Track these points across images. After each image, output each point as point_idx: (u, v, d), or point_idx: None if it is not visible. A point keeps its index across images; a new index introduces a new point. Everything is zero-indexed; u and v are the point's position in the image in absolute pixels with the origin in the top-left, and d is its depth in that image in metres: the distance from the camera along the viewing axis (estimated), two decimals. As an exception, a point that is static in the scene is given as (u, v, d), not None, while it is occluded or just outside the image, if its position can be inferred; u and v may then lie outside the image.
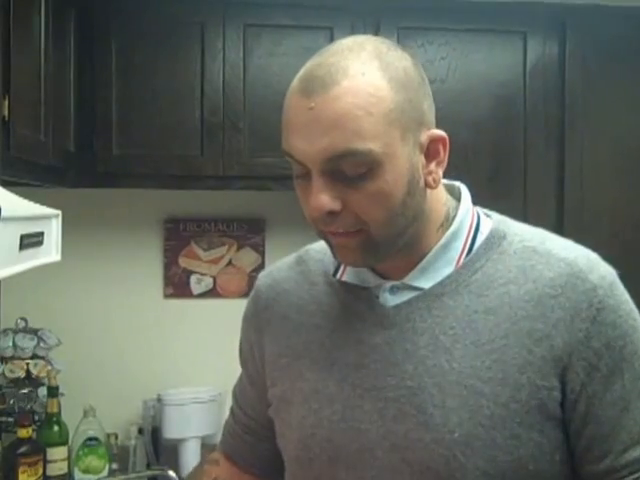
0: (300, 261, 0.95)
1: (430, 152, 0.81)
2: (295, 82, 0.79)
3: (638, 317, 0.83)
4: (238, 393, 1.02)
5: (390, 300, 0.85)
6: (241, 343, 1.00)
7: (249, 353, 0.97)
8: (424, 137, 0.80)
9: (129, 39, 1.92)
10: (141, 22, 1.92)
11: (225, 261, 2.24)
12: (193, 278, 2.23)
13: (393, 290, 0.85)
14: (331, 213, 0.78)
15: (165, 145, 1.93)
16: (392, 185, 0.77)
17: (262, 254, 2.24)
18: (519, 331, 0.79)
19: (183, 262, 2.23)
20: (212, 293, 2.24)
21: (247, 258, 2.25)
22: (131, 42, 1.92)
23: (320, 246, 0.93)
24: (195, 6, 1.93)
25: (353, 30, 1.93)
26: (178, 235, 2.22)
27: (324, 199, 0.77)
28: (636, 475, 0.79)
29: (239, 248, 2.24)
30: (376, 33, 1.95)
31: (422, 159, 0.80)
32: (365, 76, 0.76)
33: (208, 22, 1.92)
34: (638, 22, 2.01)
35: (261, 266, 2.23)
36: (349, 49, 0.78)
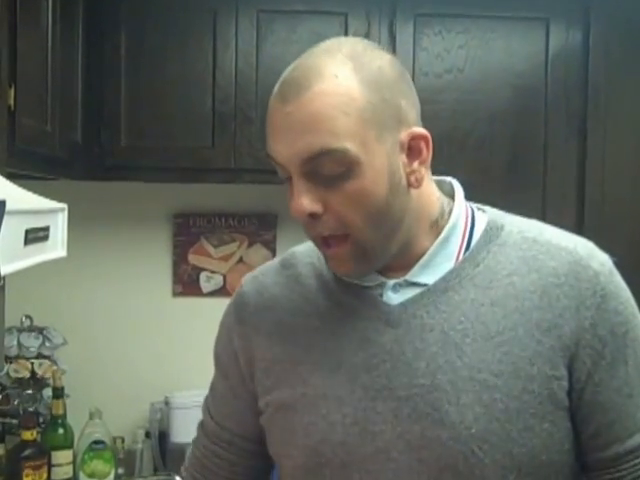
0: (287, 265, 0.93)
1: (412, 151, 0.81)
2: (276, 86, 0.81)
3: (635, 304, 0.84)
4: (214, 409, 0.98)
5: (394, 298, 0.85)
6: (218, 354, 0.97)
7: (231, 363, 0.94)
8: (404, 135, 0.80)
9: (139, 27, 1.89)
10: (151, 9, 1.90)
11: (236, 258, 2.20)
12: (203, 276, 2.19)
13: (395, 288, 0.85)
14: (313, 215, 0.79)
15: (175, 136, 1.91)
16: (371, 184, 0.78)
17: (273, 251, 2.20)
18: (527, 322, 0.80)
19: (193, 259, 2.19)
20: (222, 292, 2.19)
21: (258, 255, 2.20)
22: (141, 30, 1.90)
23: (307, 248, 0.93)
24: (207, -8, 1.90)
25: (368, 16, 1.90)
26: (188, 231, 2.18)
27: (304, 201, 0.78)
28: None
29: (250, 245, 2.20)
30: (392, 19, 1.92)
31: (403, 158, 0.81)
32: (338, 78, 0.78)
33: (220, 8, 1.90)
34: (664, 9, 1.95)
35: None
36: (326, 51, 0.80)
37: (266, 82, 1.89)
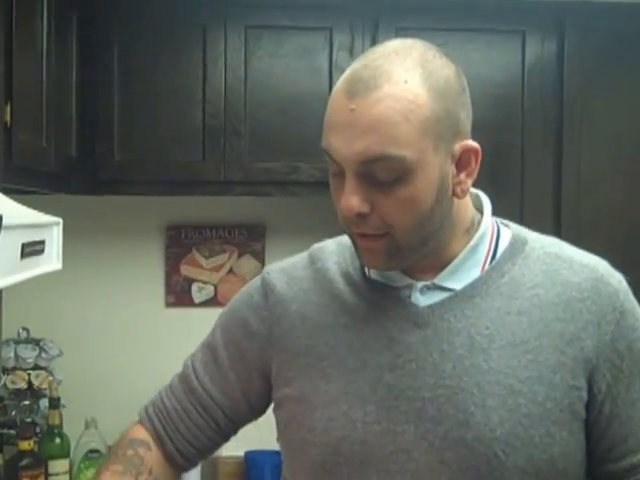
0: (315, 259, 0.94)
1: (461, 162, 0.82)
2: (340, 82, 0.81)
3: None
4: (202, 369, 0.96)
5: (422, 300, 0.85)
6: (228, 322, 0.96)
7: (242, 337, 0.94)
8: (457, 147, 0.81)
9: (131, 43, 1.91)
10: (142, 26, 1.92)
11: (226, 269, 2.22)
12: (194, 286, 2.21)
13: (423, 290, 0.86)
14: (360, 215, 0.79)
15: (167, 150, 1.93)
16: (421, 192, 0.79)
17: (262, 262, 2.22)
18: (551, 333, 0.82)
19: (184, 270, 2.21)
20: (213, 302, 2.21)
21: (247, 266, 2.23)
22: (133, 46, 1.91)
23: (333, 247, 0.94)
24: (196, 9, 1.92)
25: (352, 30, 1.93)
26: (179, 242, 2.20)
27: (355, 201, 0.79)
28: None
29: (240, 255, 2.23)
30: (374, 33, 1.95)
31: (453, 169, 0.81)
32: (407, 83, 0.77)
33: (209, 25, 1.92)
34: (638, 20, 2.00)
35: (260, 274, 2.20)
36: (395, 53, 0.80)
37: (254, 96, 1.92)
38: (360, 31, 1.93)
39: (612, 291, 0.84)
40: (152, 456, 0.96)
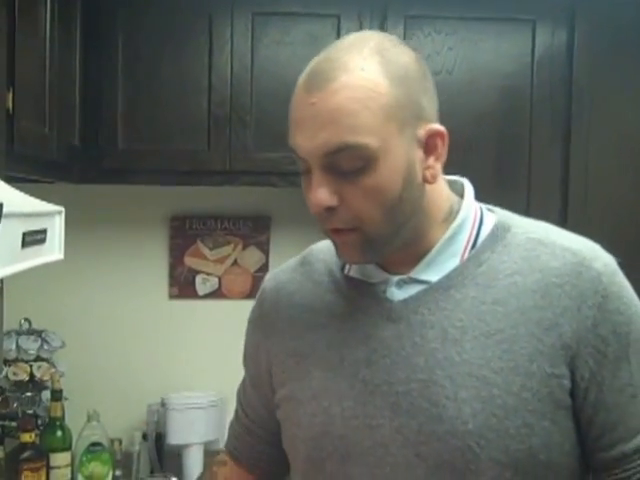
0: (304, 262, 0.95)
1: (429, 147, 0.82)
2: (300, 78, 0.81)
3: (639, 304, 0.84)
4: (242, 394, 1.03)
5: (397, 294, 0.85)
6: (246, 345, 1.00)
7: (254, 355, 0.98)
8: (422, 132, 0.80)
9: (135, 30, 1.90)
10: (147, 13, 1.90)
11: (230, 261, 2.21)
12: (198, 278, 2.20)
13: (400, 284, 0.85)
14: (329, 209, 0.79)
15: (171, 139, 1.91)
16: (388, 179, 0.78)
17: (266, 253, 2.21)
18: (528, 321, 0.80)
19: (189, 261, 2.20)
20: (217, 294, 2.20)
21: (252, 257, 2.21)
22: (137, 33, 1.90)
23: (324, 245, 0.94)
24: (203, -5, 1.91)
25: (360, 18, 1.91)
26: (184, 233, 2.19)
27: (322, 194, 0.78)
28: None
29: (244, 247, 2.21)
30: (383, 21, 1.93)
31: (420, 154, 0.81)
32: (364, 71, 0.78)
33: (216, 12, 1.90)
34: (650, 11, 1.97)
35: (265, 266, 2.19)
36: (353, 44, 0.80)
37: (261, 84, 1.91)
38: (368, 19, 1.92)
39: (594, 274, 0.81)
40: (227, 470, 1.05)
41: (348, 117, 0.76)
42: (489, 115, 1.97)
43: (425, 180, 0.81)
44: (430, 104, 0.82)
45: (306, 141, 0.78)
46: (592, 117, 1.98)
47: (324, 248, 0.93)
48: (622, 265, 0.84)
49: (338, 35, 1.87)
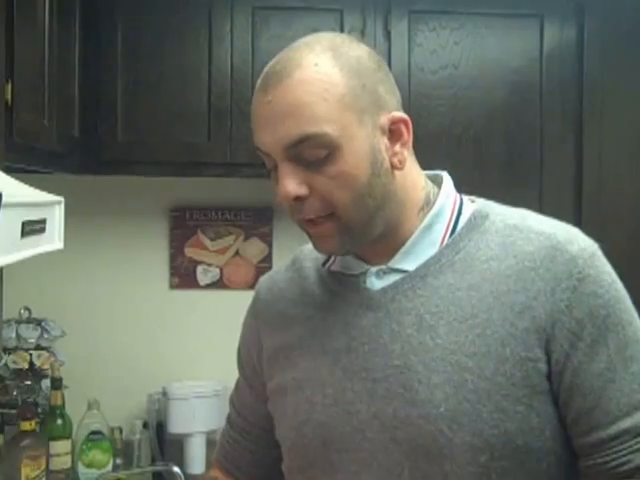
0: (295, 261, 0.97)
1: (393, 134, 0.84)
2: (258, 80, 0.84)
3: (622, 289, 0.83)
4: (236, 400, 1.04)
5: (376, 284, 0.87)
6: (240, 347, 1.03)
7: (247, 356, 1.00)
8: (384, 120, 0.83)
9: (135, 22, 1.89)
10: (147, 5, 1.90)
11: (232, 251, 2.21)
12: (199, 269, 2.20)
13: (379, 274, 0.87)
14: (299, 199, 0.81)
15: (171, 131, 1.91)
16: (353, 167, 0.81)
17: (269, 244, 2.20)
18: (501, 305, 0.81)
19: (189, 252, 2.20)
20: (218, 284, 2.21)
21: (254, 248, 2.21)
22: (137, 25, 1.89)
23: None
24: (203, -13, 1.90)
25: (363, 13, 1.90)
26: (184, 224, 2.19)
27: (290, 185, 0.80)
28: (626, 445, 0.78)
29: (246, 238, 2.21)
30: (387, 16, 1.92)
31: (385, 141, 0.83)
32: (318, 66, 0.80)
33: (216, 4, 1.89)
34: (660, 5, 1.95)
35: (268, 257, 2.19)
36: (305, 44, 0.83)
37: (261, 77, 1.91)
38: (372, 13, 1.90)
39: (569, 257, 0.81)
40: None
41: (305, 109, 0.79)
42: (499, 110, 1.96)
43: (393, 166, 0.83)
44: (389, 94, 0.84)
45: (268, 137, 0.81)
46: (604, 111, 1.97)
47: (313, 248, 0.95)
48: (608, 251, 0.84)
49: (341, 30, 1.87)
